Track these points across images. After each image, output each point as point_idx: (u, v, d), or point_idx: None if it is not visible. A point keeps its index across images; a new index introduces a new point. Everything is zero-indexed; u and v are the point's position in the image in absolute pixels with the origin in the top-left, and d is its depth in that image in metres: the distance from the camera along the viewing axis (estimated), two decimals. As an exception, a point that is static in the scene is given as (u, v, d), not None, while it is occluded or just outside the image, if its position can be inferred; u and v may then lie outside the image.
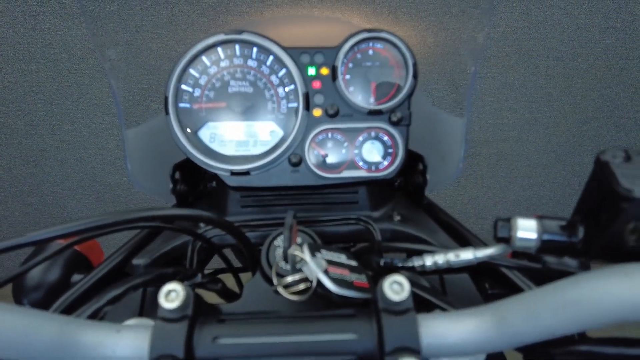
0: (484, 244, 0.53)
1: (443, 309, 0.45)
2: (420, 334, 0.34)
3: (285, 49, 0.65)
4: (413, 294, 0.37)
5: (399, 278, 0.36)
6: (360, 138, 0.66)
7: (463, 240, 0.62)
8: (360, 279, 0.44)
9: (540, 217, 0.37)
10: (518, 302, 0.34)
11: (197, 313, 0.37)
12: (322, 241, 0.55)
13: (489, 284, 0.56)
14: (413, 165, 0.70)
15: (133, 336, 0.35)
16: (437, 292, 0.48)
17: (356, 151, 0.66)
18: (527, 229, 0.37)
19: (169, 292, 0.36)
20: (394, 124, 0.65)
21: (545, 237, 0.36)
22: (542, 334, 0.32)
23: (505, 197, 2.06)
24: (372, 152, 0.66)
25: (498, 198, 2.06)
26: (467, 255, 0.44)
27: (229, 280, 0.70)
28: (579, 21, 1.76)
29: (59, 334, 0.33)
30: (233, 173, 0.65)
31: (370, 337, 0.35)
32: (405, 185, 0.74)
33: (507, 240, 0.38)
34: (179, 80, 0.65)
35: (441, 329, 0.34)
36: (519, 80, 1.85)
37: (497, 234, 0.38)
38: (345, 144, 0.66)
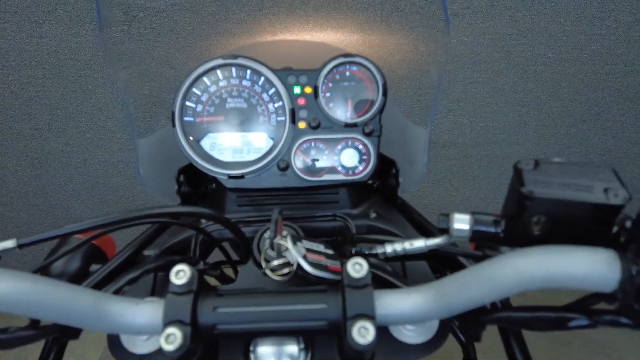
0: None
1: (397, 286, 0.52)
2: (375, 305, 0.41)
3: (274, 71, 0.72)
4: (375, 276, 0.45)
5: (359, 260, 0.43)
6: (339, 147, 0.73)
7: (429, 234, 0.68)
8: (335, 264, 0.51)
9: (474, 213, 0.43)
10: (452, 280, 0.41)
11: (201, 288, 0.43)
12: (308, 236, 0.58)
13: (450, 272, 0.64)
14: (387, 170, 0.77)
15: (149, 307, 0.42)
16: (396, 275, 0.55)
17: (335, 158, 0.73)
18: (461, 222, 0.43)
19: (178, 271, 0.43)
20: (367, 135, 0.72)
21: (476, 228, 0.42)
22: (470, 303, 0.40)
23: (497, 198, 2.07)
24: (349, 158, 0.73)
25: (490, 199, 2.08)
26: (419, 243, 0.51)
27: (227, 272, 0.77)
28: (566, 28, 1.76)
29: (93, 305, 0.41)
30: (230, 177, 0.71)
31: (336, 307, 0.42)
32: (382, 188, 0.81)
33: (446, 231, 0.43)
34: (184, 98, 0.72)
35: (392, 300, 0.42)
36: (508, 84, 1.85)
37: (438, 225, 0.44)
38: (326, 152, 0.73)
